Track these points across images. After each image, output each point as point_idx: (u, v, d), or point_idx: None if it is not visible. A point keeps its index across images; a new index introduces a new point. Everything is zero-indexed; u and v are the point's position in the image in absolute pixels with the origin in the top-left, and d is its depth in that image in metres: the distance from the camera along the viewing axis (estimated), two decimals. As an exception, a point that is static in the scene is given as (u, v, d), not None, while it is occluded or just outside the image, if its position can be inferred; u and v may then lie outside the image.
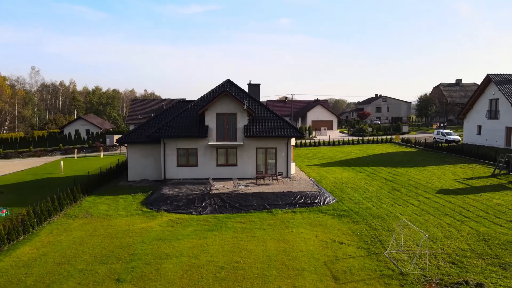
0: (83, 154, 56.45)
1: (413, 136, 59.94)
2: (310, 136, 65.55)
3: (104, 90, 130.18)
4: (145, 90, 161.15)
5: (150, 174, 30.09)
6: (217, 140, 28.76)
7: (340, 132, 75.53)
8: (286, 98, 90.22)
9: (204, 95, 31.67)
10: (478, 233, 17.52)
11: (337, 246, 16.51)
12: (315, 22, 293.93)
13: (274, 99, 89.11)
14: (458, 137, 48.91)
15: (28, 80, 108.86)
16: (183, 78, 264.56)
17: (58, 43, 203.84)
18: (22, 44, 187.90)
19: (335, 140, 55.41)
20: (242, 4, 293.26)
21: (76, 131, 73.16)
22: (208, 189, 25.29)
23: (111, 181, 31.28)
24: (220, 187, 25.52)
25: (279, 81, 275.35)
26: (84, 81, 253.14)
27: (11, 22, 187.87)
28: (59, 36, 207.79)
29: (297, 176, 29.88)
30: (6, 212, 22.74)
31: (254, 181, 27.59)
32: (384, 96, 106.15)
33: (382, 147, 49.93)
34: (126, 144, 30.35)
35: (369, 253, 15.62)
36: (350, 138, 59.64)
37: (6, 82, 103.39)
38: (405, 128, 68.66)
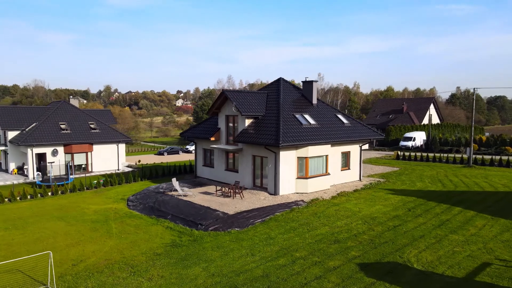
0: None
1: None
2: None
3: (396, 89, 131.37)
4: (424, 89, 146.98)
5: (206, 170, 32.60)
6: (226, 144, 27.65)
7: None
8: None
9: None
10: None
11: (69, 266, 15.14)
12: None
13: None
14: None
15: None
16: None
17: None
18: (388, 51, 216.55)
19: None
20: None
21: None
22: (163, 190, 26.15)
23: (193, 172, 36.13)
24: (185, 190, 25.26)
25: None
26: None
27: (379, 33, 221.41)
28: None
29: (291, 196, 23.61)
30: (102, 181, 32.71)
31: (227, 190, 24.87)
32: None
33: None
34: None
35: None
36: None
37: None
38: None
